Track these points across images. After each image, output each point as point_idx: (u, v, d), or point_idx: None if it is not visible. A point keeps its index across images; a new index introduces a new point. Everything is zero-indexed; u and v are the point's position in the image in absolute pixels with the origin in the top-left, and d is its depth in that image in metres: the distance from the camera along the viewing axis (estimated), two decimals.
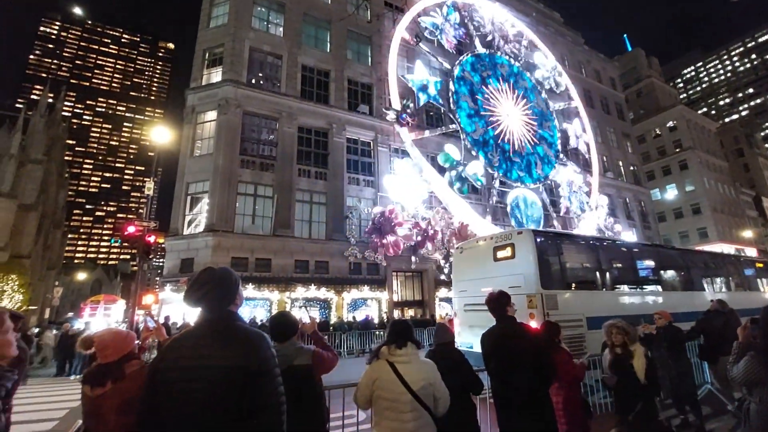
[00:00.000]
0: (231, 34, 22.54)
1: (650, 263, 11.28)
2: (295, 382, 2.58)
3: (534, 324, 7.11)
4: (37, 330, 18.26)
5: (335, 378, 3.48)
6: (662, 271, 11.43)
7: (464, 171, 21.27)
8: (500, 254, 8.84)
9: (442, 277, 22.33)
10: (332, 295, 20.43)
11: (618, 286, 9.89)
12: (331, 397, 3.36)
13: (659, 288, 10.90)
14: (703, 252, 16.30)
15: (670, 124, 54.46)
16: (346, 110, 24.52)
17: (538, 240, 8.47)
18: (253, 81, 22.84)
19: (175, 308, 16.98)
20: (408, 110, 21.19)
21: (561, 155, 26.71)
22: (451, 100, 22.37)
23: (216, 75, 22.35)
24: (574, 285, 8.99)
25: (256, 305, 18.58)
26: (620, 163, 40.11)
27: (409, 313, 23.28)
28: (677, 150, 52.66)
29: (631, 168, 41.49)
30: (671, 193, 52.03)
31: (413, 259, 20.28)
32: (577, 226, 25.51)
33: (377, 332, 17.37)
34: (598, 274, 9.61)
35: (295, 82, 23.65)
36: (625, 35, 72.55)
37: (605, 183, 34.02)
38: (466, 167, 21.37)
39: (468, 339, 8.81)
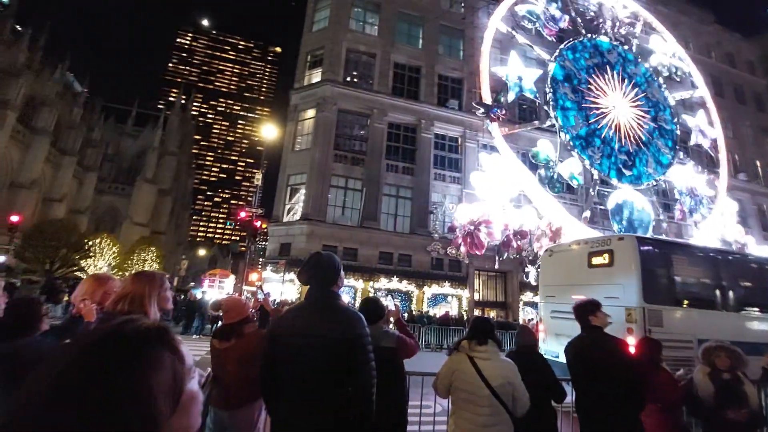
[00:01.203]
0: (330, 36, 24.02)
1: None
2: (380, 363, 2.86)
3: (631, 340, 6.53)
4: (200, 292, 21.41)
5: (413, 368, 3.70)
6: None
7: (559, 168, 19.80)
8: (596, 260, 8.22)
9: (530, 280, 21.22)
10: (413, 289, 20.82)
11: (745, 309, 8.48)
12: (410, 384, 3.57)
13: None
14: None
15: None
16: (435, 105, 24.53)
17: (643, 248, 7.68)
18: (348, 79, 24.07)
19: (274, 286, 18.94)
20: (499, 104, 20.38)
21: (679, 152, 23.26)
22: (547, 92, 20.92)
23: (316, 75, 24.05)
24: (685, 302, 7.97)
25: (341, 291, 19.74)
26: (757, 163, 33.54)
27: (491, 314, 22.63)
28: None
29: None
30: None
31: (497, 259, 19.62)
32: (694, 235, 22.08)
33: (455, 329, 17.28)
34: (718, 291, 8.36)
35: (387, 79, 24.34)
36: None
37: (736, 186, 28.81)
38: (562, 164, 19.86)
39: (554, 347, 8.38)
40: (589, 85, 22.05)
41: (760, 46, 42.23)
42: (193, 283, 35.43)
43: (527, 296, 22.01)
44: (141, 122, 45.06)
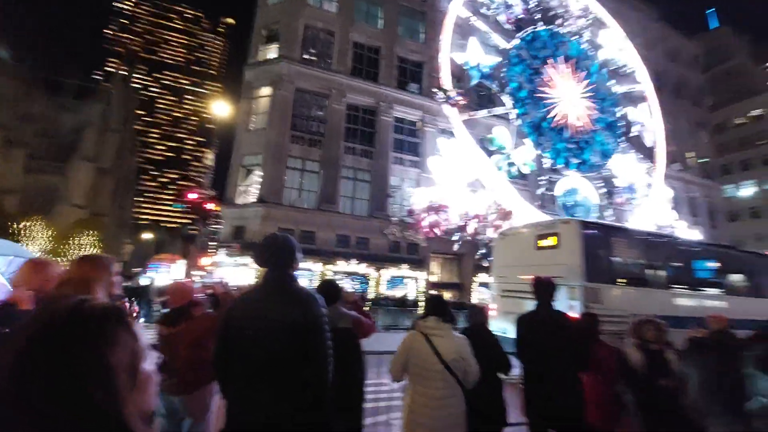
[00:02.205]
0: (287, 10, 22.97)
1: (714, 265, 10.53)
2: (337, 343, 2.87)
3: (573, 315, 7.02)
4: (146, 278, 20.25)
5: (371, 348, 3.76)
6: (727, 275, 10.64)
7: (513, 155, 20.58)
8: (543, 243, 8.70)
9: (485, 263, 22.13)
10: (371, 271, 21.00)
11: (673, 286, 9.38)
12: (368, 365, 3.62)
13: (722, 292, 10.18)
14: None
15: (757, 112, 48.53)
16: (395, 88, 24.42)
17: (585, 231, 8.22)
18: (306, 57, 23.26)
19: (228, 271, 18.33)
20: (458, 90, 20.68)
21: (622, 143, 24.97)
22: (504, 80, 21.50)
23: (272, 51, 23.01)
24: (622, 280, 8.68)
25: (299, 275, 19.49)
26: (690, 155, 36.81)
27: (447, 295, 23.42)
28: (762, 142, 47.05)
29: (703, 160, 37.94)
30: (748, 190, 46.92)
31: (454, 242, 20.24)
32: (631, 220, 23.99)
33: (412, 310, 17.75)
34: (651, 271, 9.18)
35: (346, 59, 23.80)
36: (711, 9, 63.82)
37: (670, 175, 31.44)
38: (516, 151, 20.66)
39: (503, 325, 8.83)
40: (542, 75, 22.93)
41: (701, 44, 45.77)
42: (139, 269, 33.50)
43: (481, 278, 22.95)
44: (78, 95, 41.06)
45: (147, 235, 58.60)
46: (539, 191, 22.43)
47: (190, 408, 2.76)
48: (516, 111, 21.21)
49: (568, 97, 23.19)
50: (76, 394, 0.56)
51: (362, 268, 20.78)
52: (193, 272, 18.24)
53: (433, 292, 22.34)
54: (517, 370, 3.65)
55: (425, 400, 2.80)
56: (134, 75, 54.97)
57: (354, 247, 21.25)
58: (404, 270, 21.81)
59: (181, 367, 2.68)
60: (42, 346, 0.58)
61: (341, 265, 20.30)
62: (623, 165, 24.43)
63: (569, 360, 3.24)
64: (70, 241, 28.64)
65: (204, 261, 19.46)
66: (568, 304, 7.52)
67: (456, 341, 2.93)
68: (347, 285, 16.49)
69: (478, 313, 3.90)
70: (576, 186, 22.23)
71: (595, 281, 7.79)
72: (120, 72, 43.76)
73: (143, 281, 18.47)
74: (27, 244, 26.47)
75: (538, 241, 8.81)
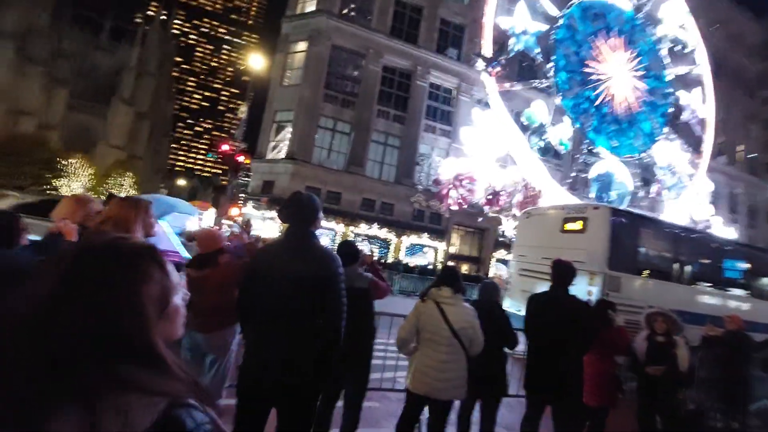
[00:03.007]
0: None
1: (742, 265, 10.10)
2: (352, 301, 3.02)
3: (588, 301, 6.99)
4: None
5: (385, 310, 3.91)
6: (754, 276, 10.22)
7: (549, 133, 19.73)
8: (569, 226, 8.55)
9: (503, 239, 21.95)
10: (392, 237, 21.28)
11: (697, 283, 9.12)
12: (379, 325, 3.79)
13: (747, 293, 9.84)
14: None
15: None
16: (434, 52, 23.50)
17: (615, 219, 8.01)
18: (345, 12, 22.56)
19: (255, 223, 18.97)
20: (499, 58, 19.68)
21: (668, 129, 23.42)
22: (550, 51, 20.24)
23: (311, 4, 22.40)
24: (645, 272, 8.49)
25: (321, 234, 20.01)
26: (738, 149, 34.25)
27: (464, 267, 23.56)
28: None
29: (751, 155, 35.25)
30: None
31: (477, 216, 20.07)
32: (666, 211, 22.92)
33: (428, 278, 18.02)
34: (676, 265, 8.91)
35: (386, 17, 22.93)
36: None
37: (714, 168, 29.54)
38: (553, 128, 19.77)
39: (518, 302, 8.90)
40: (591, 49, 21.38)
41: (766, 30, 41.09)
42: None
43: (500, 253, 22.87)
44: (117, 36, 41.69)
45: (181, 182, 60.73)
46: (572, 173, 21.62)
47: (212, 345, 3.00)
48: (558, 85, 20.09)
49: (616, 75, 21.70)
50: (108, 318, 0.63)
51: (384, 232, 21.06)
52: (222, 221, 19.00)
53: (450, 263, 22.52)
54: (523, 346, 3.75)
55: (431, 362, 2.96)
56: (173, 20, 54.77)
57: (378, 212, 21.46)
58: (425, 239, 21.97)
59: (206, 309, 2.90)
60: (77, 275, 0.65)
61: (363, 228, 20.63)
62: (667, 153, 23.05)
63: (572, 341, 3.30)
64: (110, 181, 30.19)
65: (233, 211, 20.19)
66: (587, 289, 7.47)
67: (465, 311, 3.05)
68: (365, 247, 16.84)
69: (491, 289, 3.98)
70: (612, 170, 21.25)
71: (617, 270, 7.67)
72: (159, 16, 43.79)
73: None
74: (72, 181, 28.12)
75: (565, 224, 8.65)
